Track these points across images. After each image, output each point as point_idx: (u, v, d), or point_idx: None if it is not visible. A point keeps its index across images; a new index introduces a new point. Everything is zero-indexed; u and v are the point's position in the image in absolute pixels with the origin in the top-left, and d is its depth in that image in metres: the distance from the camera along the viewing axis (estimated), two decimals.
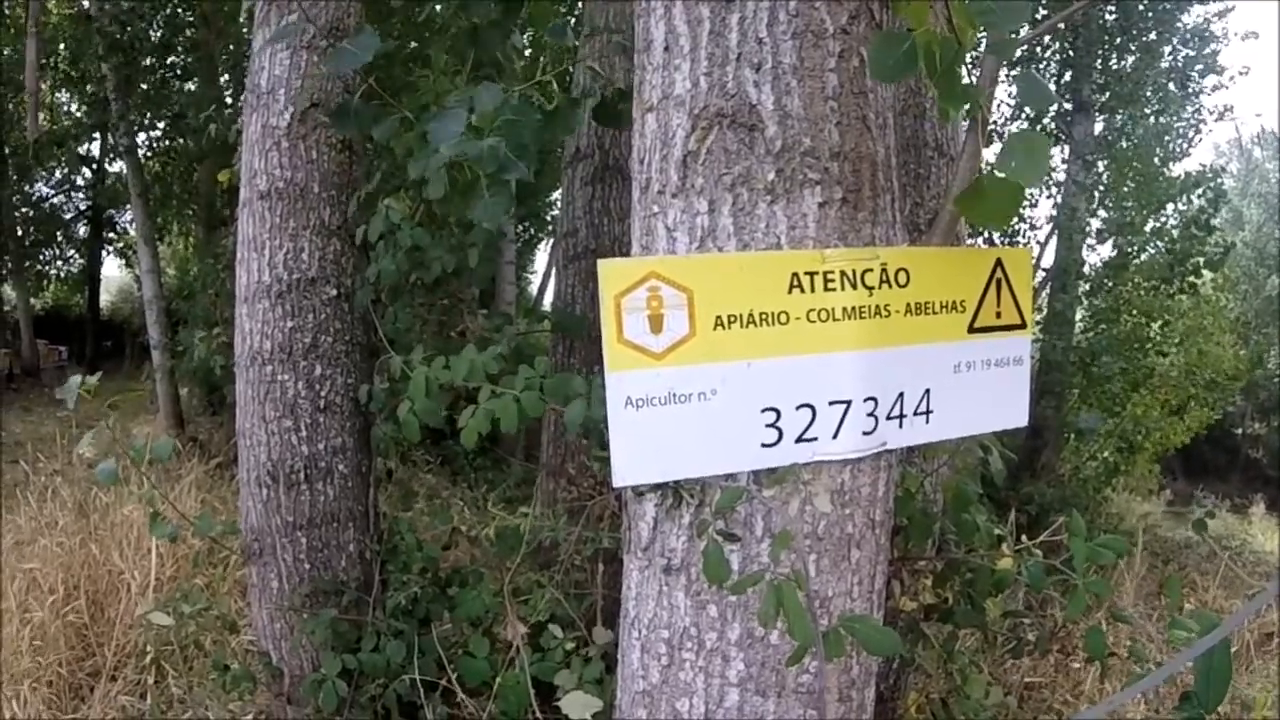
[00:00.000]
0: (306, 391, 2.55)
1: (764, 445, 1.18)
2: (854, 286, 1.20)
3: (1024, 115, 9.20)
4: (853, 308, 1.19)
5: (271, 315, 2.54)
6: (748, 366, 1.16)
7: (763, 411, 1.17)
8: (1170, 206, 8.59)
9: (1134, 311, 8.43)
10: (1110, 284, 8.56)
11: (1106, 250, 9.02)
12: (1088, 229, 8.77)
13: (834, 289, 1.18)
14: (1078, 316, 8.77)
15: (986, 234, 7.02)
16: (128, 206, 9.16)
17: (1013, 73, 6.96)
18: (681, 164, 1.28)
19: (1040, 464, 8.16)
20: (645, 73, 1.36)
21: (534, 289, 15.31)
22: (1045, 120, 9.04)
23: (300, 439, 2.54)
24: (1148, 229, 8.55)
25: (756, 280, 1.16)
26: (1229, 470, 16.54)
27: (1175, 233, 8.18)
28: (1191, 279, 7.82)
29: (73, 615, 3.56)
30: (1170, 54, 8.81)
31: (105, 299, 18.65)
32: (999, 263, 1.37)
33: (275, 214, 2.56)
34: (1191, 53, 8.70)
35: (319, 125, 2.60)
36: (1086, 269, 8.81)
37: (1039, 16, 6.66)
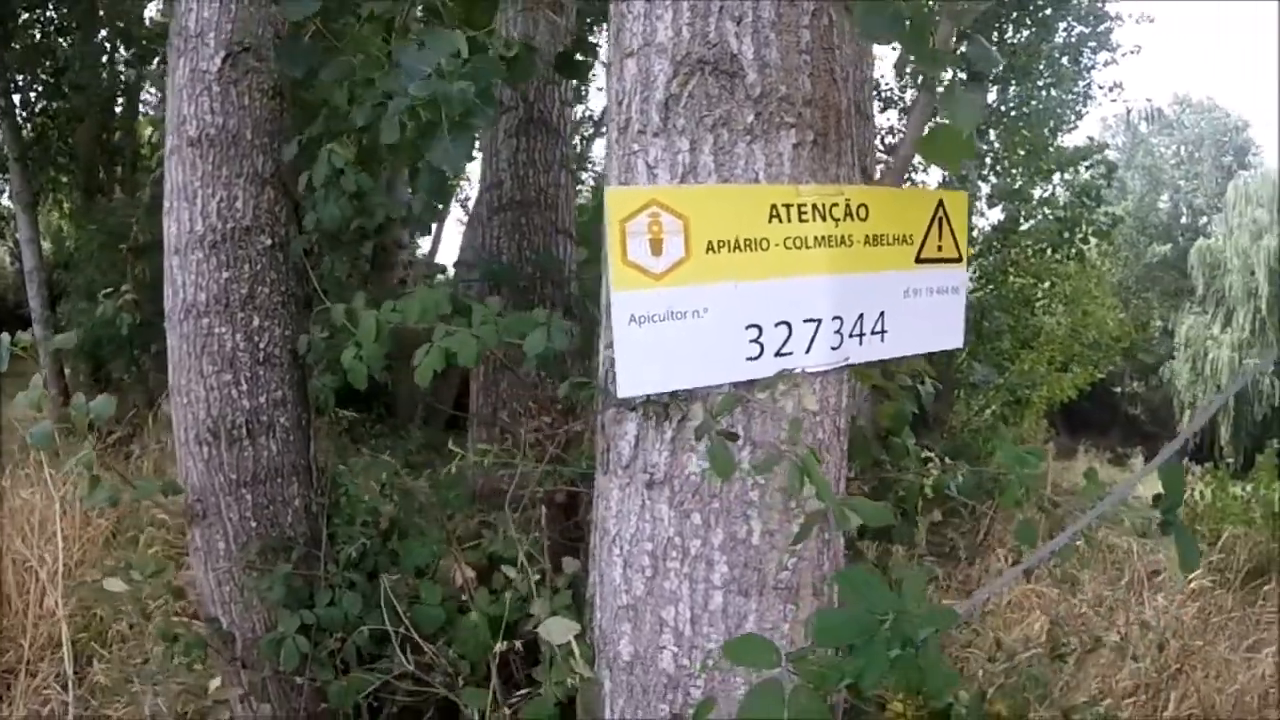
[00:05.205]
0: (245, 344, 2.56)
1: (748, 359, 1.37)
2: (823, 218, 1.40)
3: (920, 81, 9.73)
4: (823, 236, 1.40)
5: (206, 266, 2.53)
6: (734, 287, 1.34)
7: (747, 328, 1.36)
8: (1057, 176, 9.36)
9: (1022, 273, 9.17)
10: (999, 247, 9.25)
11: (995, 215, 9.76)
12: (978, 194, 9.43)
13: (807, 220, 1.38)
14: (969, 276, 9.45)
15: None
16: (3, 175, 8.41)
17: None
18: (664, 106, 1.44)
19: (932, 416, 8.80)
20: (625, 20, 1.50)
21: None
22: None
23: (241, 393, 2.55)
24: (1036, 195, 9.28)
25: (742, 210, 1.34)
26: (1109, 426, 18.40)
27: (1063, 201, 8.94)
28: (1080, 245, 8.57)
29: None
30: (1065, 30, 9.55)
31: None
32: (941, 203, 1.60)
33: (207, 161, 2.53)
34: (1086, 29, 9.47)
35: (250, 70, 2.59)
36: (975, 233, 9.49)
37: None
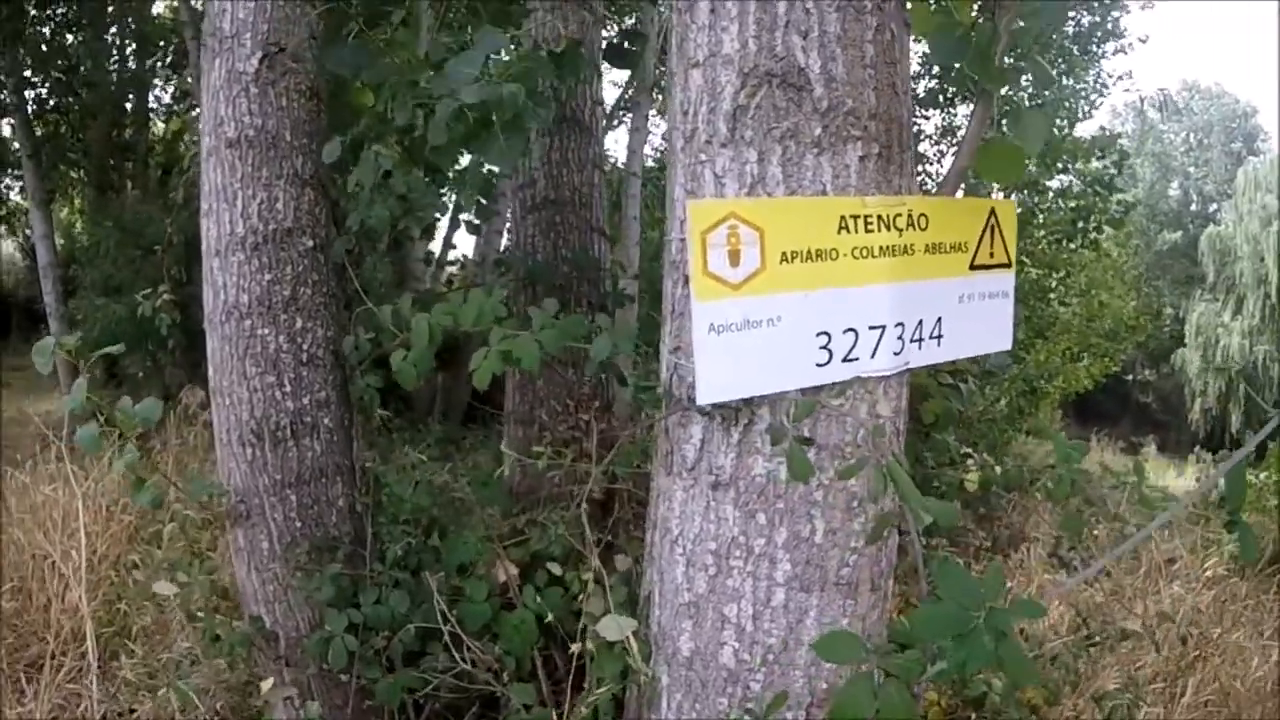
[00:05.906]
0: (288, 345, 2.62)
1: (818, 365, 1.44)
2: (888, 229, 1.47)
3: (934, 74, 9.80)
4: (887, 246, 1.47)
5: (248, 268, 2.59)
6: (805, 296, 1.41)
7: (817, 335, 1.44)
8: (1071, 166, 9.41)
9: (1037, 264, 9.22)
10: None
11: None
12: (992, 185, 9.48)
13: (873, 230, 1.45)
14: None
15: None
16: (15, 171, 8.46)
17: None
18: (731, 117, 1.51)
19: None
20: (689, 31, 1.57)
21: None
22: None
23: (284, 394, 2.61)
24: (1054, 186, 9.34)
25: (813, 221, 1.41)
26: (1121, 414, 18.60)
27: (1076, 190, 8.99)
28: (1094, 235, 8.64)
29: None
30: (1073, 19, 9.61)
31: None
32: (993, 211, 1.67)
33: (247, 163, 2.59)
34: (1097, 19, 9.54)
35: (287, 71, 2.64)
36: None
37: None
